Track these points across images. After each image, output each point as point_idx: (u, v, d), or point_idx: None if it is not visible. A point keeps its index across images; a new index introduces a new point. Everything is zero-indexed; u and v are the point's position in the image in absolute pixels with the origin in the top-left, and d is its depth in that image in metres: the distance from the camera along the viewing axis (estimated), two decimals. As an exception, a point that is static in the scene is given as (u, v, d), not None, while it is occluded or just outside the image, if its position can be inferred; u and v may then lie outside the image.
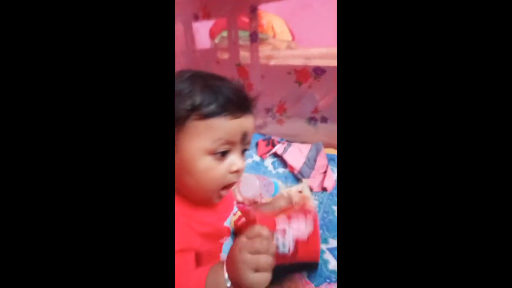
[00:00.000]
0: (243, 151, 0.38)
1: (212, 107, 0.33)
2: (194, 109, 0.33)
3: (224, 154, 0.35)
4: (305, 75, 1.00)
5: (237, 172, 0.36)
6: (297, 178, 0.93)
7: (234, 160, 0.36)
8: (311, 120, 1.03)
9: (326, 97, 1.00)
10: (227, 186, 0.37)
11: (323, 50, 1.11)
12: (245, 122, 0.35)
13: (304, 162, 0.95)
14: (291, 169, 0.95)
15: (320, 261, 0.61)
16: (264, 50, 1.36)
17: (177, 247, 0.32)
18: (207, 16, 1.04)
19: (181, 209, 0.37)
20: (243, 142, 0.36)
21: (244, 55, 1.26)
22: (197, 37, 1.39)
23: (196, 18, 1.08)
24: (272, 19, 1.60)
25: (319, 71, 0.98)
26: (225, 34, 1.53)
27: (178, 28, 1.26)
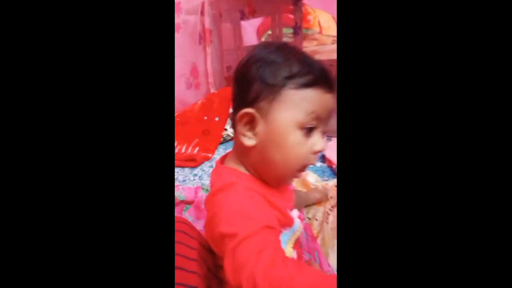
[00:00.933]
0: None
1: (310, 77, 0.31)
2: (292, 76, 0.31)
3: (310, 130, 0.33)
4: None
5: (318, 152, 0.34)
6: (334, 172, 0.90)
7: (317, 140, 0.33)
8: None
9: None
10: (305, 167, 0.35)
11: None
12: (333, 100, 0.33)
13: (344, 157, 0.92)
14: (329, 163, 0.92)
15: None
16: (309, 46, 1.35)
17: (259, 224, 0.29)
18: (252, 13, 1.08)
19: (258, 186, 0.35)
20: (327, 121, 0.34)
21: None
22: (244, 35, 1.45)
23: (243, 15, 1.13)
24: (318, 14, 1.58)
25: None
26: (271, 32, 1.57)
27: (226, 27, 1.34)
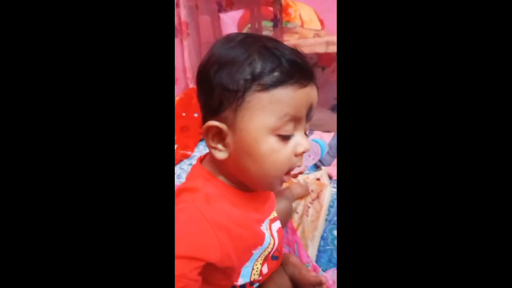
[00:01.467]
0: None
1: (277, 74, 0.27)
2: (255, 78, 0.27)
3: (288, 133, 0.29)
4: (328, 59, 0.95)
5: (302, 154, 0.30)
6: (316, 165, 0.89)
7: (299, 140, 0.29)
8: (335, 108, 0.98)
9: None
10: (290, 170, 0.31)
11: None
12: (311, 92, 0.29)
13: (326, 151, 0.91)
14: (310, 156, 0.91)
15: (332, 247, 0.58)
16: (290, 40, 1.33)
17: (189, 252, 0.28)
18: (230, 5, 1.04)
19: (219, 204, 0.32)
20: (308, 118, 0.30)
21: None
22: (224, 28, 1.41)
23: (220, 6, 1.09)
24: (300, 7, 1.56)
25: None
26: (250, 25, 1.53)
27: (205, 20, 1.30)
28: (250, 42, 0.29)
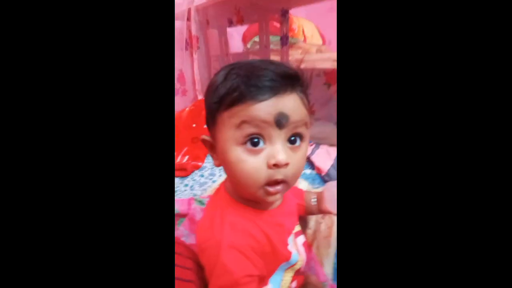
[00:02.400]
0: (291, 139, 0.32)
1: (235, 94, 0.30)
2: (220, 101, 0.31)
3: (255, 144, 0.31)
4: (334, 77, 1.00)
5: (277, 166, 0.31)
6: (324, 180, 0.93)
7: (272, 152, 0.31)
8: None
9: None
10: (272, 183, 0.32)
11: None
12: (278, 103, 0.30)
13: (332, 165, 0.95)
14: (319, 171, 0.95)
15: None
16: (294, 54, 1.38)
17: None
18: (240, 21, 1.09)
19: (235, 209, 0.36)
20: (280, 127, 0.31)
21: (275, 59, 1.29)
22: (230, 41, 1.46)
23: (230, 23, 1.14)
24: (303, 23, 1.62)
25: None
26: (257, 39, 1.58)
27: (213, 33, 1.34)
28: (231, 71, 0.32)
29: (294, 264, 0.40)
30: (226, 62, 1.45)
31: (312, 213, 0.49)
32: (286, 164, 0.31)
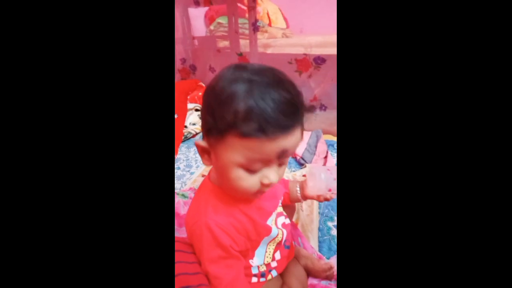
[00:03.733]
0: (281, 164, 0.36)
1: (253, 126, 0.30)
2: (234, 124, 0.30)
3: (256, 170, 0.35)
4: (305, 64, 1.03)
5: (268, 186, 0.35)
6: (299, 163, 0.99)
7: (267, 173, 0.34)
8: (312, 109, 1.08)
9: (322, 85, 1.04)
10: (260, 192, 0.37)
11: (319, 38, 1.13)
12: (284, 141, 0.32)
13: (306, 148, 1.01)
14: (294, 155, 1.01)
15: (329, 236, 0.68)
16: (261, 38, 1.37)
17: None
18: (208, 2, 1.03)
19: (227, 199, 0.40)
20: (280, 159, 0.34)
21: (243, 43, 1.26)
22: (193, 23, 1.37)
23: (197, 4, 1.07)
24: (267, 6, 1.60)
25: (319, 61, 1.01)
26: (221, 20, 1.52)
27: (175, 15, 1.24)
28: (254, 80, 0.31)
29: (275, 237, 0.45)
30: (191, 46, 1.36)
31: (297, 201, 0.53)
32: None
